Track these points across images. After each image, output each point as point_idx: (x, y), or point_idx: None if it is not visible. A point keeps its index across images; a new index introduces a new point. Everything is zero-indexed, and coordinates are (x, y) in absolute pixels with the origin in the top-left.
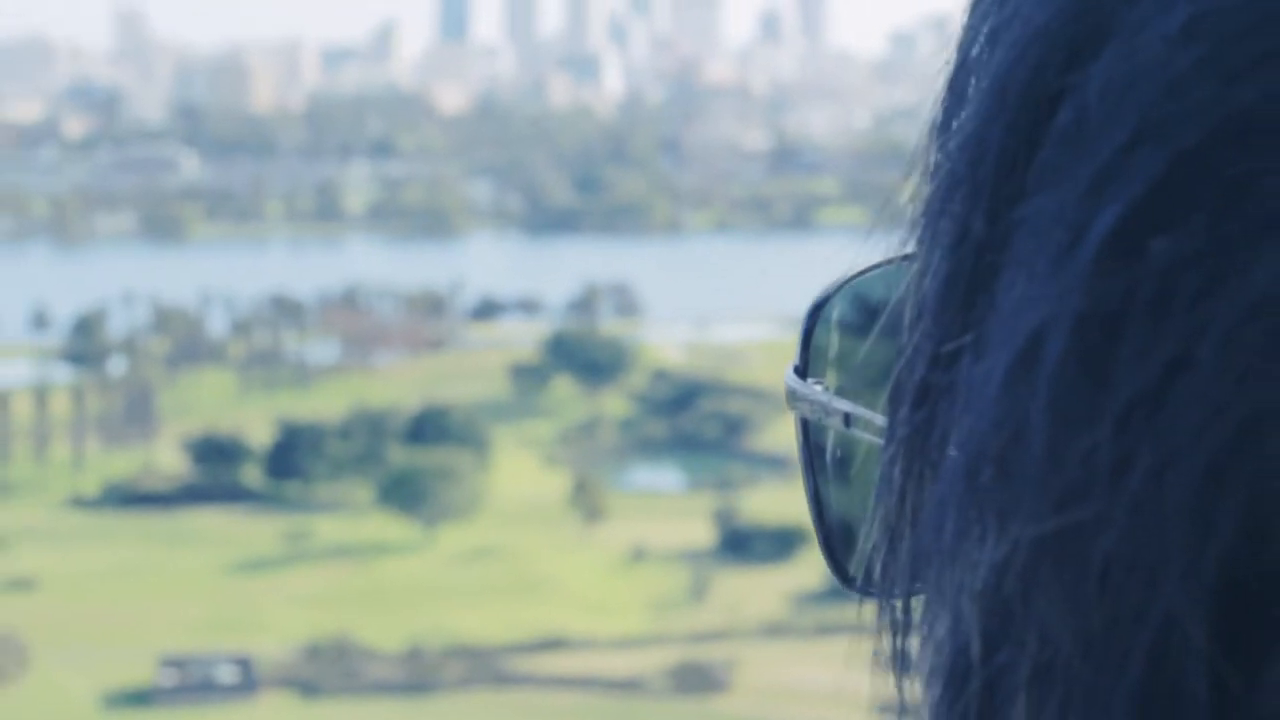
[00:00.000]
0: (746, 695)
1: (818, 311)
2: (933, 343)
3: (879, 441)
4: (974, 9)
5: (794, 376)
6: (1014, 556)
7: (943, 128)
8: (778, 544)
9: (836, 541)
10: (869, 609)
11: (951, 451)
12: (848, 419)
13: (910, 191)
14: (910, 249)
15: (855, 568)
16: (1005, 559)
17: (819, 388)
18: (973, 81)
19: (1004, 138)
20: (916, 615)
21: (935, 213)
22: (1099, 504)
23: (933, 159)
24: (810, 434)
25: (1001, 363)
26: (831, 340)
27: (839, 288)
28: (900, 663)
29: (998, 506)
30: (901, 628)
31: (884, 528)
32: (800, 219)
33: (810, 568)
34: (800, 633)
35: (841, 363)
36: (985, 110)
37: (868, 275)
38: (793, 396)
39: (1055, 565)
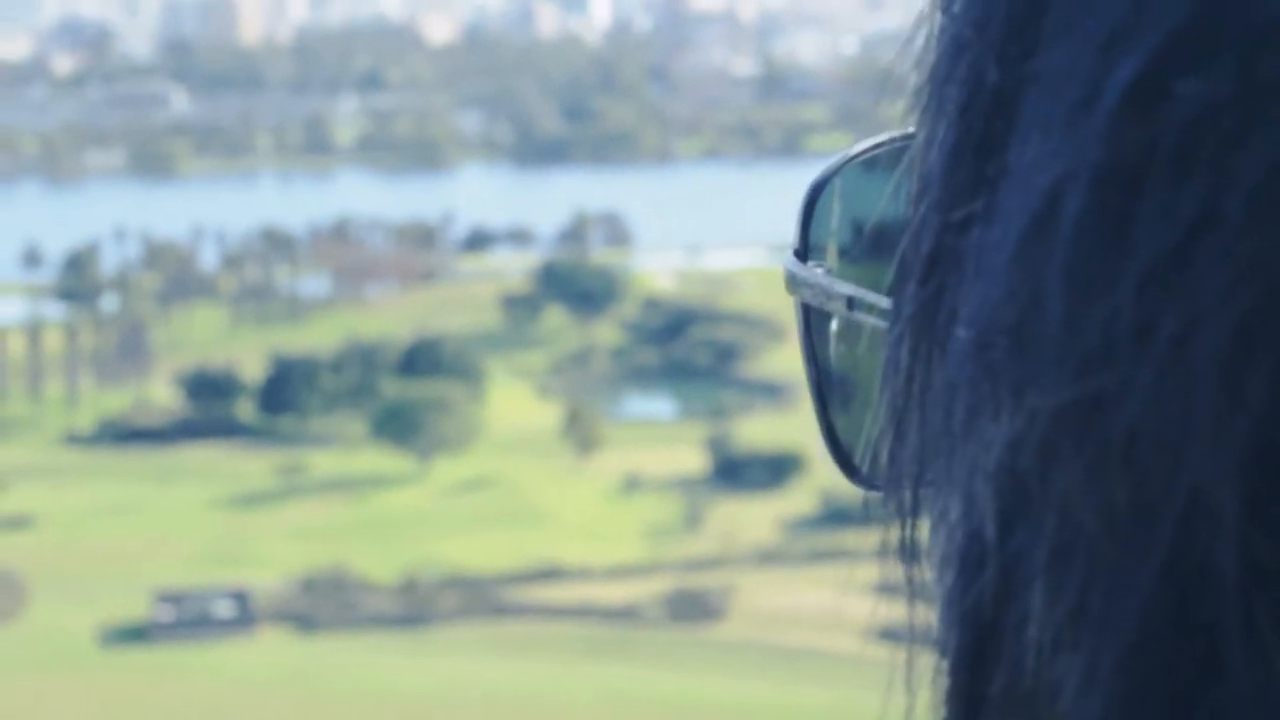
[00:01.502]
0: (742, 622)
1: (817, 192)
2: (940, 213)
3: (883, 324)
4: None
5: (794, 260)
6: (1031, 431)
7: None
8: (771, 471)
9: (841, 432)
10: (862, 534)
11: (960, 327)
12: (850, 302)
13: (906, 71)
14: (913, 124)
15: (861, 459)
16: (1021, 434)
17: (819, 271)
18: None
19: None
20: (926, 503)
21: (940, 79)
22: (1122, 371)
23: (936, 24)
24: (812, 320)
25: (1015, 227)
26: (832, 221)
27: (839, 167)
28: (910, 553)
29: (1012, 380)
30: (911, 516)
31: (891, 413)
32: (789, 145)
33: (804, 494)
34: (794, 559)
35: (842, 244)
36: None
37: (868, 153)
38: (793, 281)
39: (1075, 438)
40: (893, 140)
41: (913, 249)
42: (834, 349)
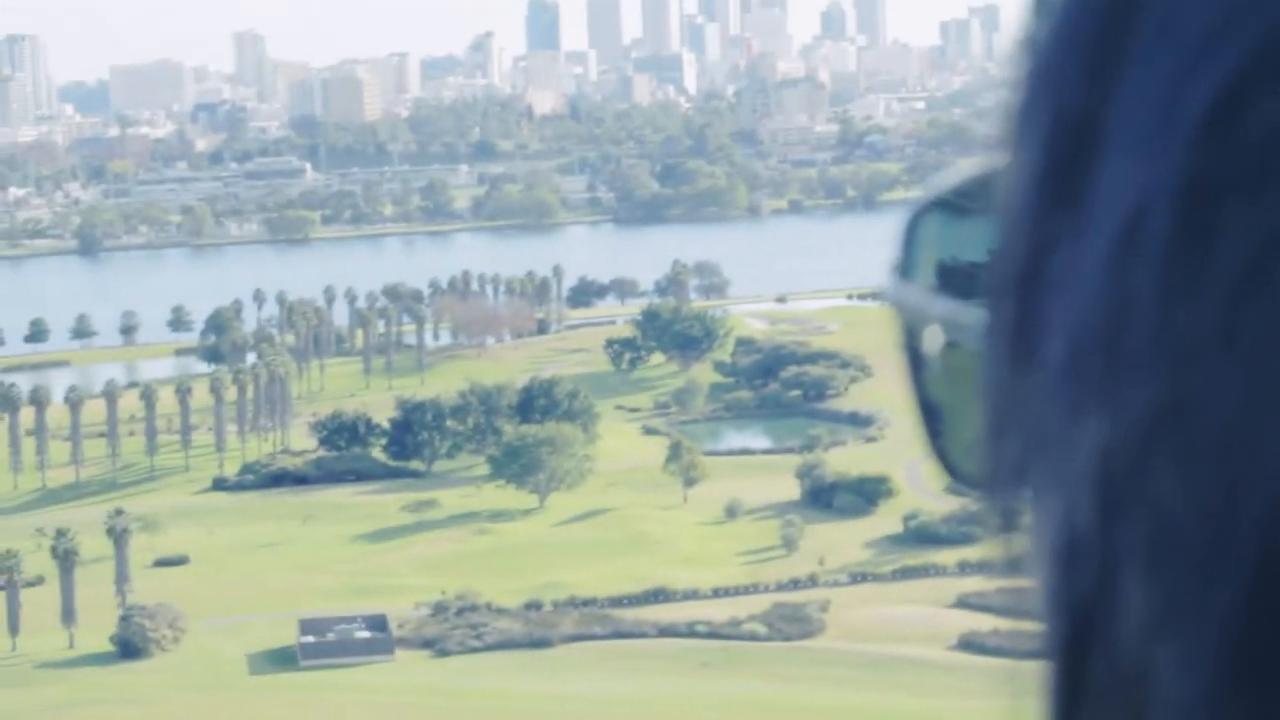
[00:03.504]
0: (837, 635)
1: (918, 216)
2: (1030, 232)
3: (980, 339)
4: None
5: (893, 279)
6: (1124, 432)
7: (1030, 37)
8: (859, 496)
9: (945, 442)
10: (945, 552)
11: (1053, 337)
12: (947, 318)
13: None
14: (1003, 154)
15: (965, 465)
16: (1116, 435)
17: (918, 289)
18: None
19: (1094, 26)
20: (1026, 508)
21: (1027, 108)
22: (1208, 374)
23: (1022, 61)
24: (911, 337)
25: (1103, 241)
26: (930, 242)
27: (938, 195)
28: (1010, 559)
29: (1105, 385)
30: (1012, 521)
31: (989, 423)
32: (867, 199)
33: (890, 517)
34: (883, 576)
35: (940, 264)
36: (1073, 3)
37: (966, 182)
38: (892, 299)
39: (1166, 438)
40: (987, 174)
41: (1005, 266)
42: (933, 366)
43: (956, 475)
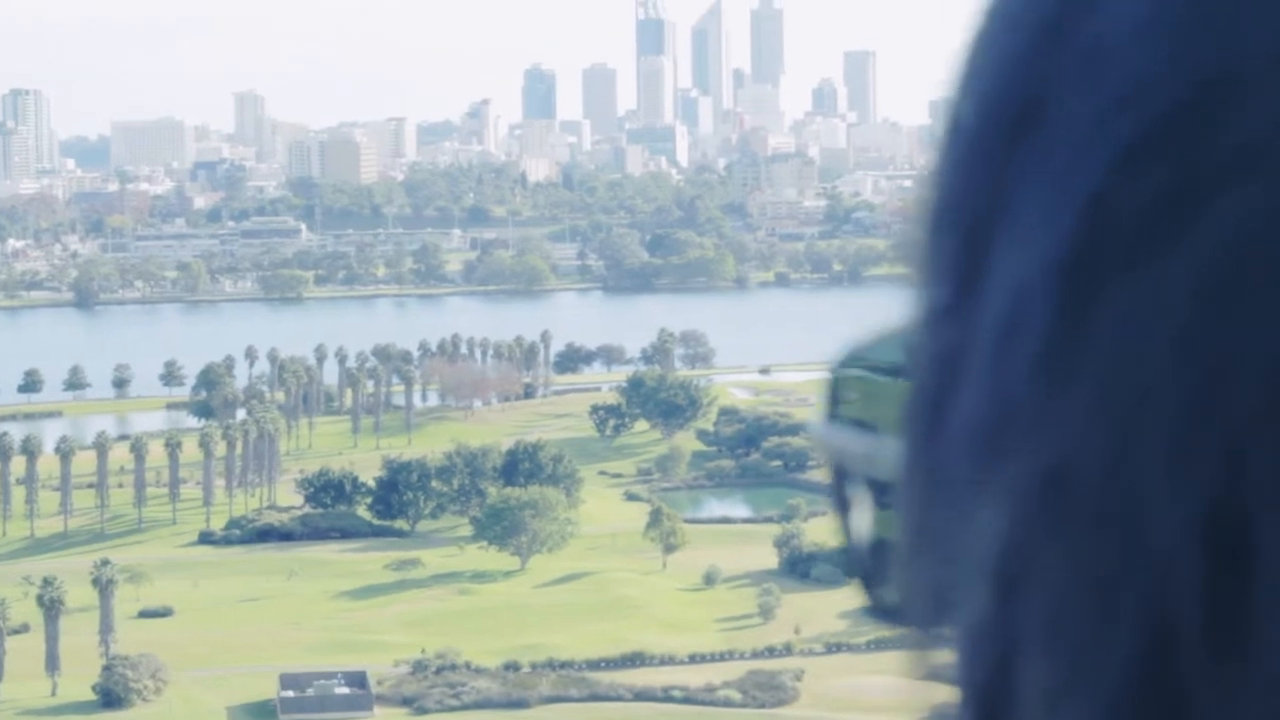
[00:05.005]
0: (811, 704)
1: (842, 366)
2: (935, 351)
3: (897, 465)
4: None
5: (822, 424)
6: (1011, 511)
7: (948, 128)
8: (836, 567)
9: (873, 578)
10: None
11: (950, 429)
12: (872, 457)
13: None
14: (918, 261)
15: (892, 597)
16: (1004, 516)
17: (846, 433)
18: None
19: (1000, 122)
20: (945, 613)
21: (935, 211)
22: (1086, 444)
23: (931, 170)
24: (842, 478)
25: (988, 323)
26: (855, 389)
27: (859, 349)
28: (932, 670)
29: (992, 466)
30: (930, 639)
31: (907, 542)
32: (853, 274)
33: None
34: (858, 647)
35: (867, 408)
36: (985, 99)
37: (884, 338)
38: (821, 443)
39: (1049, 512)
40: (903, 326)
41: (918, 392)
42: (862, 502)
43: (885, 613)
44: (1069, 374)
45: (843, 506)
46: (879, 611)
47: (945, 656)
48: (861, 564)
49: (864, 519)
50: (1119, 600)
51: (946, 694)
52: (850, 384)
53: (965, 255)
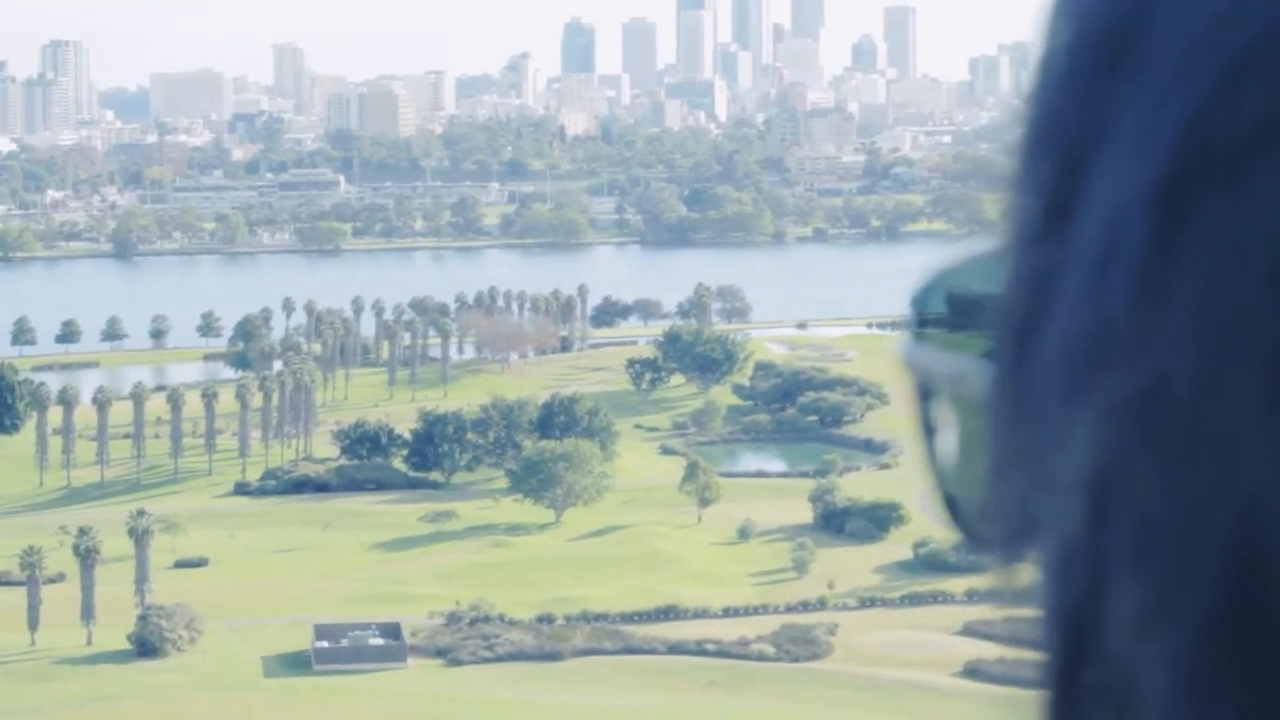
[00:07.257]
0: (845, 658)
1: (931, 285)
2: (1031, 258)
3: (986, 385)
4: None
5: (907, 343)
6: (1106, 432)
7: (1040, 64)
8: (871, 522)
9: (958, 503)
10: (954, 580)
11: (1044, 348)
12: (958, 379)
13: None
14: (1007, 199)
15: (976, 524)
16: (1098, 437)
17: (932, 354)
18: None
19: (1092, 54)
20: (1028, 536)
21: (1028, 142)
22: (1183, 364)
23: (1026, 96)
24: (927, 400)
25: (1085, 244)
26: (942, 309)
27: (950, 268)
28: (1016, 589)
29: (1088, 386)
30: (1016, 554)
31: (994, 460)
32: (891, 229)
33: (901, 543)
34: (892, 602)
35: (952, 330)
36: (1075, 33)
37: (971, 261)
38: (906, 362)
39: (1145, 434)
40: (995, 250)
41: (1008, 314)
42: (944, 424)
43: (973, 538)
44: (1167, 293)
45: (928, 429)
46: (964, 534)
47: (1031, 579)
48: (946, 486)
49: (949, 441)
50: (1212, 523)
51: (1031, 617)
52: (937, 305)
53: (1062, 177)
